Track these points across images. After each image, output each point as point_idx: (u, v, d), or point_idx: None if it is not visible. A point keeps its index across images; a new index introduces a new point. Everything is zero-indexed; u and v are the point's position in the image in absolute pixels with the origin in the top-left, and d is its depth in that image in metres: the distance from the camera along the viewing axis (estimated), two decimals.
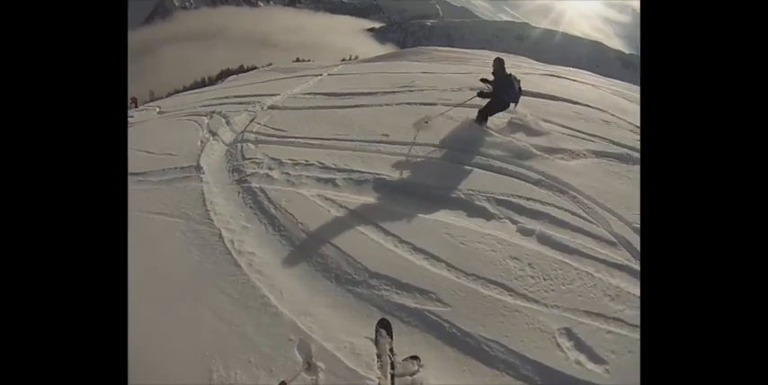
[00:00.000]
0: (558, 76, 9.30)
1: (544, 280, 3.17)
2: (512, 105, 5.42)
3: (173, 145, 7.25)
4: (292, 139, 5.92)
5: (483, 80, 5.64)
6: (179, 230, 4.31)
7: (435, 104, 6.40)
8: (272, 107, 8.29)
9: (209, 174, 5.50)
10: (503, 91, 5.28)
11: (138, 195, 5.57)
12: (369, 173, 4.49)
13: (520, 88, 5.37)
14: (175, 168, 5.99)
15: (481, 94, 5.49)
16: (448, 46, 20.01)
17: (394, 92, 7.40)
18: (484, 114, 5.54)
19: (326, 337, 2.78)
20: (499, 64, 5.44)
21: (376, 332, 2.75)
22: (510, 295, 3.06)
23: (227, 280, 3.39)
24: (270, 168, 5.10)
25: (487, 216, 3.84)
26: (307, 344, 2.75)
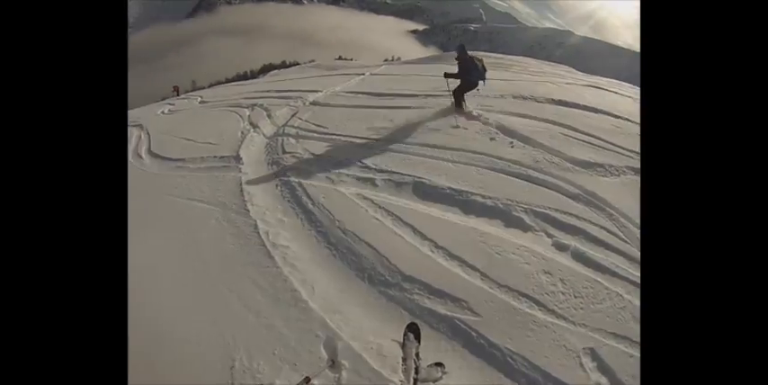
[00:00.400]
0: (599, 88, 9.08)
1: (574, 297, 3.09)
2: (480, 83, 6.21)
3: (213, 134, 7.44)
4: (333, 137, 5.97)
5: (446, 74, 6.40)
6: (214, 218, 4.40)
7: (473, 111, 6.36)
8: (314, 103, 8.42)
9: (249, 166, 5.59)
10: (467, 72, 6.11)
11: (175, 181, 5.75)
12: (409, 175, 4.48)
13: (483, 67, 6.22)
14: (215, 157, 6.14)
15: (447, 75, 6.35)
16: (491, 51, 19.85)
17: (436, 95, 7.36)
18: (457, 97, 6.38)
19: (354, 336, 2.77)
20: (462, 49, 6.39)
21: (404, 335, 2.72)
22: (540, 310, 3.00)
23: (260, 271, 3.44)
24: (310, 164, 5.15)
25: (524, 227, 3.78)
26: (333, 341, 2.75)
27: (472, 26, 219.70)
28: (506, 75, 9.89)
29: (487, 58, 14.59)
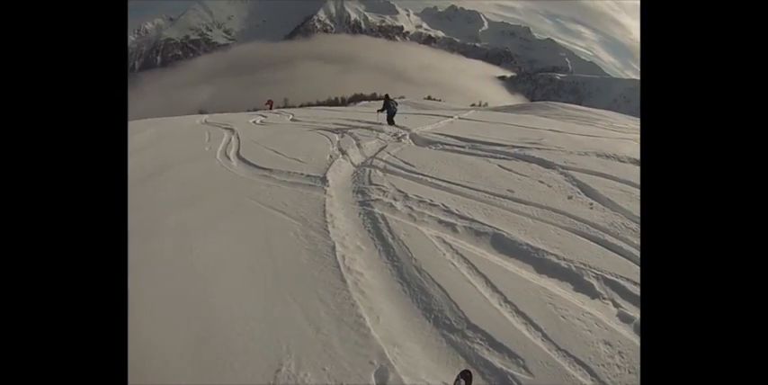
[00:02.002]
0: None
1: (629, 373, 2.93)
2: (397, 114, 11.69)
3: (301, 152, 7.90)
4: (420, 176, 6.17)
5: (379, 111, 11.99)
6: (293, 231, 4.65)
7: (557, 167, 6.33)
8: (401, 140, 8.81)
9: (334, 189, 5.88)
10: (389, 108, 11.45)
11: (259, 187, 6.17)
12: (489, 226, 4.53)
13: (396, 106, 11.67)
14: (301, 174, 6.51)
15: (379, 110, 11.91)
16: (576, 103, 19.63)
17: (522, 147, 7.47)
18: (388, 119, 11.50)
19: (407, 372, 2.81)
20: (386, 97, 11.98)
21: (456, 380, 2.73)
22: (592, 380, 2.88)
23: (329, 291, 3.59)
24: (394, 199, 5.34)
25: (593, 294, 3.68)
26: (386, 371, 2.79)
27: (558, 76, 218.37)
28: (592, 130, 9.76)
29: (573, 110, 14.59)
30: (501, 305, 3.41)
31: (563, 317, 3.36)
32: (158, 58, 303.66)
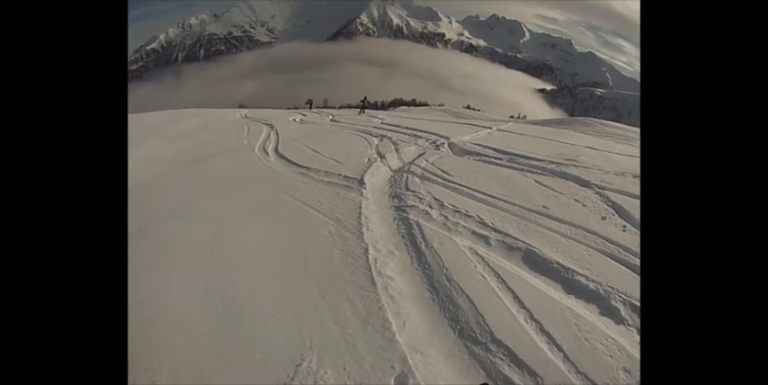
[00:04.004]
0: None
1: None
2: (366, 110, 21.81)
3: (340, 153, 8.06)
4: (456, 186, 6.18)
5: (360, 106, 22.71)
6: (327, 230, 4.75)
7: (593, 186, 6.25)
8: (440, 148, 8.89)
9: (370, 192, 5.96)
10: (363, 105, 22.48)
11: (296, 184, 6.32)
12: (522, 241, 4.51)
13: (367, 105, 22.96)
14: (339, 175, 6.65)
15: (360, 108, 22.65)
16: (615, 120, 19.26)
17: (559, 163, 7.41)
18: (360, 111, 21.70)
19: (426, 379, 2.84)
20: (364, 98, 22.48)
21: None
22: None
23: (358, 292, 3.64)
24: (430, 207, 5.37)
25: (618, 319, 3.62)
26: (406, 377, 2.82)
27: (599, 91, 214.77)
28: (630, 149, 9.53)
29: (612, 127, 14.36)
30: (527, 322, 3.41)
31: (586, 339, 3.33)
32: (201, 51, 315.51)
